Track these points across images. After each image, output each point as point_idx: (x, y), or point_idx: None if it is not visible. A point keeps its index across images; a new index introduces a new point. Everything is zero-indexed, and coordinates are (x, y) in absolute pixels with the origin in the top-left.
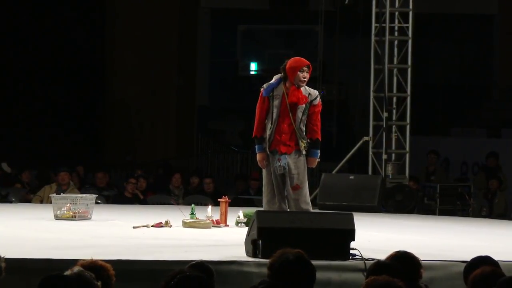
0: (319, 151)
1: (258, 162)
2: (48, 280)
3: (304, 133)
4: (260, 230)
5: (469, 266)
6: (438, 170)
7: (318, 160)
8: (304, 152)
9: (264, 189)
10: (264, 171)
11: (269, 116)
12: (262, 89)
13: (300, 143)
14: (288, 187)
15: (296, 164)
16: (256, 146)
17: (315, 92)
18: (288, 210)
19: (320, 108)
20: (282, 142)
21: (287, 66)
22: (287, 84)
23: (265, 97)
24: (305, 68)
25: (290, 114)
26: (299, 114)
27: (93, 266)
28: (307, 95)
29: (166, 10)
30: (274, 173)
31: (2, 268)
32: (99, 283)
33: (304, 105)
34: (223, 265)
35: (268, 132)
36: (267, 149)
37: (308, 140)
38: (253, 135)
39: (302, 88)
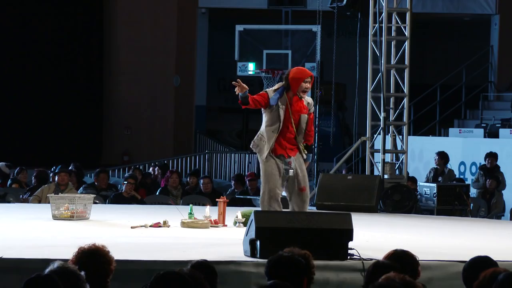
0: (311, 154)
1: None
2: (31, 283)
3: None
4: (258, 230)
5: (468, 266)
6: (446, 171)
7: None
8: (304, 157)
9: (263, 186)
10: (265, 170)
11: (274, 124)
12: (265, 91)
13: (300, 146)
14: (296, 189)
15: (301, 167)
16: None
17: (311, 101)
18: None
19: (313, 115)
20: (288, 149)
21: (290, 76)
22: (290, 94)
23: (272, 106)
24: (308, 79)
25: (293, 123)
26: (302, 124)
27: (94, 251)
28: (306, 105)
29: (164, 10)
30: (280, 174)
31: None
32: (82, 273)
33: (306, 115)
34: (221, 265)
35: (272, 140)
36: (272, 154)
37: (304, 145)
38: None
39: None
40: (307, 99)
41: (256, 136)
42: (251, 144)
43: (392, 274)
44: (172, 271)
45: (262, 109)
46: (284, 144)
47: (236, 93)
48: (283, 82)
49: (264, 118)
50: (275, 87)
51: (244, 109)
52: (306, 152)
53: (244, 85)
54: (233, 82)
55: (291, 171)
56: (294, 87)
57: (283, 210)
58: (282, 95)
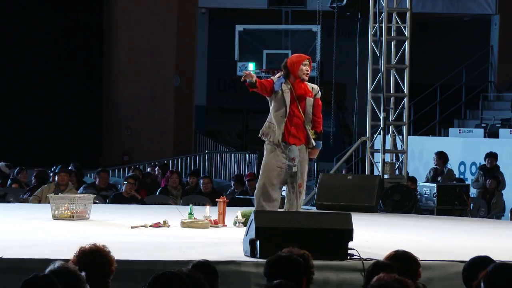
0: (321, 142)
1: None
2: (29, 283)
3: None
4: (258, 230)
5: (468, 266)
6: (446, 171)
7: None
8: (313, 144)
9: (259, 179)
10: (265, 163)
11: (280, 108)
12: (271, 78)
13: (309, 133)
14: (295, 183)
15: (302, 163)
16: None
17: (316, 87)
18: (286, 202)
19: (320, 101)
20: (292, 135)
21: (289, 62)
22: (291, 79)
23: (277, 91)
24: (306, 62)
25: (299, 107)
26: (309, 108)
27: (94, 252)
28: (311, 89)
29: (164, 10)
30: (280, 171)
31: None
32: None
33: (312, 99)
34: (221, 265)
35: (282, 125)
36: (278, 140)
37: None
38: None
39: (305, 83)
40: (312, 85)
41: (264, 125)
42: (260, 134)
43: (382, 274)
44: (170, 271)
45: (268, 97)
46: (289, 129)
47: (242, 80)
48: (283, 72)
49: (271, 105)
50: (277, 75)
51: (244, 109)
52: (314, 136)
53: (253, 73)
54: (244, 71)
55: (294, 167)
56: (295, 71)
57: (279, 209)
58: (285, 81)
